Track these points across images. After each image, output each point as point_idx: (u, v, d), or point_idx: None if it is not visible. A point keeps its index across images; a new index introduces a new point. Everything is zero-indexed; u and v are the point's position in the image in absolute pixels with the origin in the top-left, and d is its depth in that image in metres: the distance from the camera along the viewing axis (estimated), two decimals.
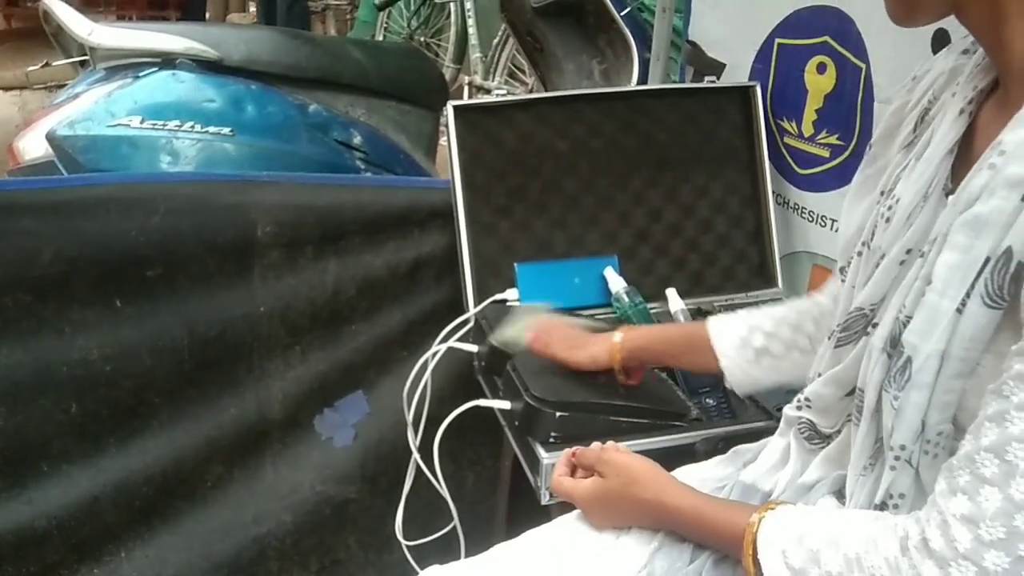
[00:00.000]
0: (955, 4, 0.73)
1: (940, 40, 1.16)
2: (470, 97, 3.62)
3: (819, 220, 1.52)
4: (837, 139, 1.46)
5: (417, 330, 1.54)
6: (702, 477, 0.95)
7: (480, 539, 1.40)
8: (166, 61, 2.00)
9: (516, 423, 1.17)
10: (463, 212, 1.46)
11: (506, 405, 1.19)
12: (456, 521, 1.36)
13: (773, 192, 1.57)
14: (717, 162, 1.58)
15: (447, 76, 3.89)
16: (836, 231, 1.40)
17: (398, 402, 1.37)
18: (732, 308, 1.31)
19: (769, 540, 0.74)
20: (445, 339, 1.35)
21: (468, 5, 3.83)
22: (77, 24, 2.04)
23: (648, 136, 1.56)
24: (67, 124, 1.91)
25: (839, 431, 0.85)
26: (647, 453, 0.92)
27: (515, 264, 1.48)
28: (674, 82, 1.95)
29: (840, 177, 1.44)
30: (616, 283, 1.49)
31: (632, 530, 0.88)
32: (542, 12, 2.58)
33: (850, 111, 1.42)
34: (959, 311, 0.66)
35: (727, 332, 1.03)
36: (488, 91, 3.62)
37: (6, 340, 1.34)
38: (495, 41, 3.67)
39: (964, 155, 0.75)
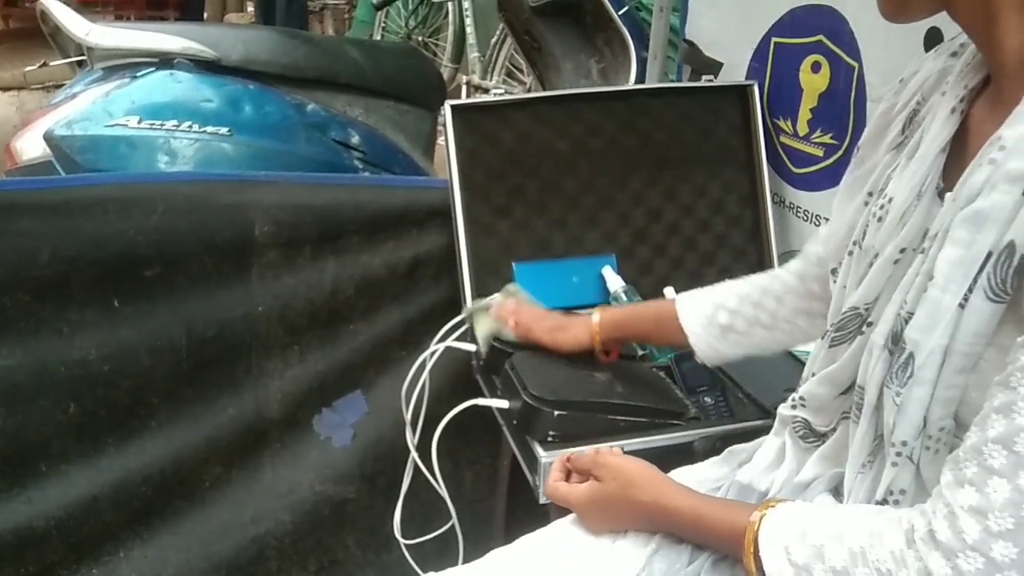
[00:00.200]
0: (946, 0, 0.73)
1: (932, 39, 1.16)
2: (468, 96, 3.63)
3: (814, 219, 1.52)
4: (831, 138, 1.47)
5: (415, 329, 1.54)
6: (698, 478, 0.94)
7: (478, 538, 1.40)
8: (164, 61, 2.00)
9: (514, 422, 1.18)
10: (461, 211, 1.46)
11: (504, 404, 1.19)
12: (455, 520, 1.35)
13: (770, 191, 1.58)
14: (715, 161, 1.58)
15: (445, 76, 3.89)
16: None
17: (396, 401, 1.37)
18: None
19: (771, 538, 0.73)
20: (443, 338, 1.35)
21: (466, 5, 3.83)
22: (75, 24, 2.03)
23: (646, 135, 1.56)
24: (65, 124, 1.91)
25: (834, 429, 0.85)
26: (645, 452, 0.93)
27: (513, 263, 1.49)
28: (671, 81, 1.95)
29: (833, 176, 1.45)
30: (614, 282, 1.49)
31: (629, 533, 0.88)
32: (540, 11, 2.59)
33: (843, 110, 1.42)
34: (962, 306, 0.66)
35: (693, 310, 1.10)
36: (486, 90, 3.62)
37: (5, 340, 1.34)
38: (493, 41, 3.67)
39: (957, 153, 0.75)
